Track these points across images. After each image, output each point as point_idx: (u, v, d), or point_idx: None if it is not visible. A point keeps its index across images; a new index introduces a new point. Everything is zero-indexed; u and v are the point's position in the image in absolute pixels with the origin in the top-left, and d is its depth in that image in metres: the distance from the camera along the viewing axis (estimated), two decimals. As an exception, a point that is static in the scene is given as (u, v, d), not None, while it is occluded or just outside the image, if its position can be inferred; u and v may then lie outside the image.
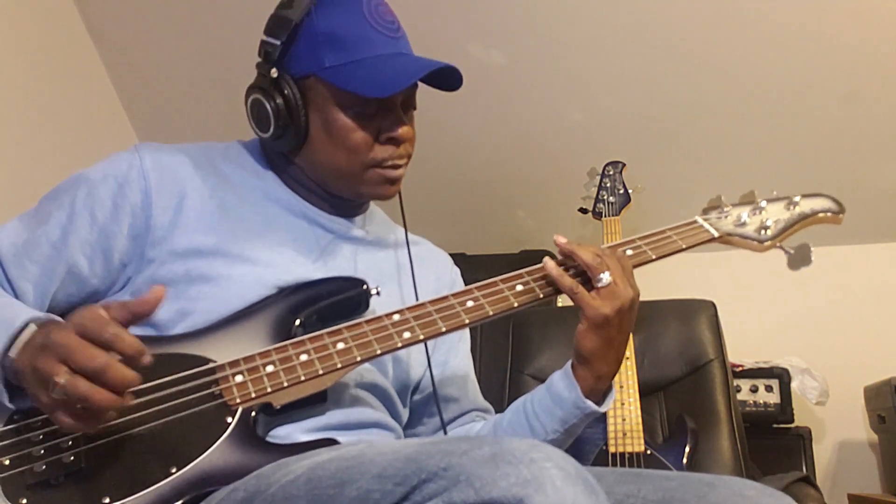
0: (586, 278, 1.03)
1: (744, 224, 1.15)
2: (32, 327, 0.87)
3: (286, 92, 1.06)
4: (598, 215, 2.26)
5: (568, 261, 1.06)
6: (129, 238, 1.02)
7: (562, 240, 1.06)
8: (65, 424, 0.80)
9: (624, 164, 2.33)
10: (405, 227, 1.22)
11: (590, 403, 1.04)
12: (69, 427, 0.81)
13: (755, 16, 2.15)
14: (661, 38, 2.24)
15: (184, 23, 2.46)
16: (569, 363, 1.07)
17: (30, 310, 0.92)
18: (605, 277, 1.00)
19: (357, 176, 1.09)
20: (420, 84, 1.11)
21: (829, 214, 1.15)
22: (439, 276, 1.26)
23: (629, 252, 1.09)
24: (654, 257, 1.09)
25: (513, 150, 2.55)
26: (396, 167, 1.10)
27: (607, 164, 2.34)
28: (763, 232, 1.14)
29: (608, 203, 2.26)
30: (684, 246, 1.11)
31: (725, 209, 1.17)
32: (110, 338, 0.79)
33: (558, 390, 1.06)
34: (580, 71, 2.36)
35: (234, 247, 1.04)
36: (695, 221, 1.15)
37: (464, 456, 0.66)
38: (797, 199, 1.16)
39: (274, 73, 1.07)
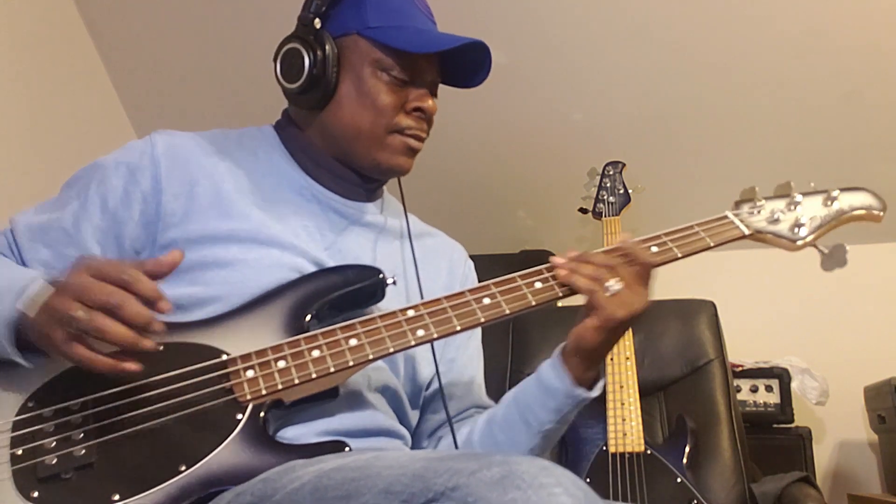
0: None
1: (777, 221, 1.08)
2: (42, 282, 0.88)
3: (326, 46, 1.08)
4: (598, 215, 2.26)
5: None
6: (141, 224, 1.03)
7: (559, 260, 1.03)
8: (83, 358, 0.82)
9: (624, 164, 2.33)
10: (406, 214, 1.21)
11: (582, 391, 1.04)
12: (87, 361, 0.82)
13: (755, 16, 2.15)
14: (662, 38, 2.24)
15: (184, 22, 2.46)
16: (556, 352, 1.06)
17: (36, 271, 0.94)
18: (613, 286, 0.99)
19: (379, 139, 1.09)
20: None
21: (867, 212, 1.09)
22: (452, 268, 1.25)
23: (654, 249, 1.05)
24: (679, 255, 1.05)
25: (513, 150, 2.55)
26: (419, 138, 1.11)
27: (607, 164, 2.34)
28: (797, 230, 1.07)
29: (608, 203, 2.26)
30: (712, 244, 1.06)
31: (759, 203, 1.10)
32: (128, 278, 0.82)
33: (549, 381, 1.05)
34: (580, 71, 2.36)
35: (248, 232, 1.04)
36: (725, 217, 1.09)
37: (472, 476, 0.65)
38: (836, 193, 1.09)
39: (318, 23, 1.09)
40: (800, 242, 1.07)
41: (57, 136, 2.36)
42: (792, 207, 1.09)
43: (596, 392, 1.06)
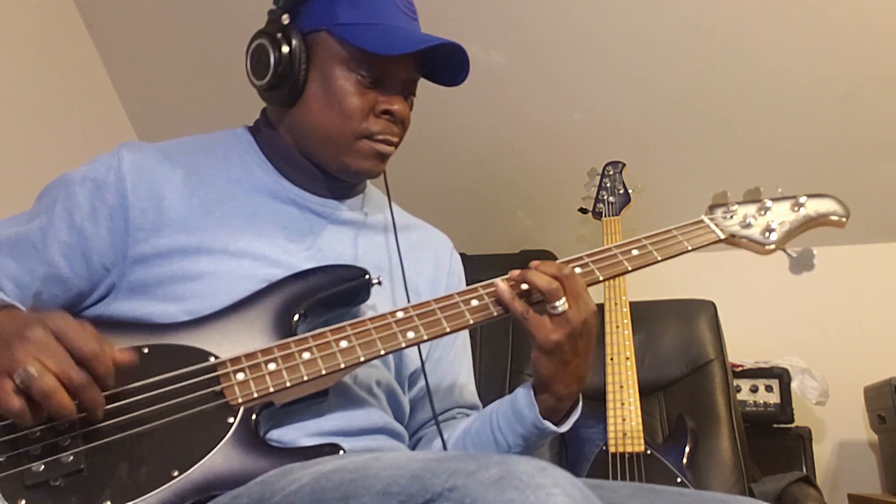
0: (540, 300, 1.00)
1: (749, 225, 1.13)
2: None
3: (293, 42, 1.05)
4: (598, 215, 2.26)
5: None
6: (109, 240, 1.02)
7: (502, 285, 1.00)
8: (13, 409, 0.79)
9: (624, 164, 2.33)
10: (391, 208, 1.19)
11: (548, 424, 1.03)
12: (15, 413, 0.79)
13: (754, 16, 2.15)
14: (661, 38, 2.24)
15: (184, 22, 2.46)
16: (531, 381, 1.06)
17: None
18: (560, 306, 0.97)
19: (346, 144, 1.07)
20: (422, 82, 1.11)
21: (833, 218, 1.15)
22: (438, 261, 1.23)
23: (635, 252, 1.07)
24: (659, 258, 1.08)
25: (513, 150, 2.55)
26: (388, 143, 1.08)
27: (607, 164, 2.34)
28: (768, 235, 1.13)
29: (608, 203, 2.26)
30: (690, 248, 1.10)
31: (731, 208, 1.15)
32: (89, 353, 0.81)
33: (520, 407, 1.05)
34: (580, 71, 2.36)
35: (218, 243, 1.02)
36: (701, 221, 1.14)
37: (470, 477, 0.64)
38: (803, 199, 1.15)
39: (286, 18, 1.06)
40: (769, 247, 1.12)
41: (57, 136, 2.36)
42: (762, 212, 1.15)
43: (566, 427, 1.05)
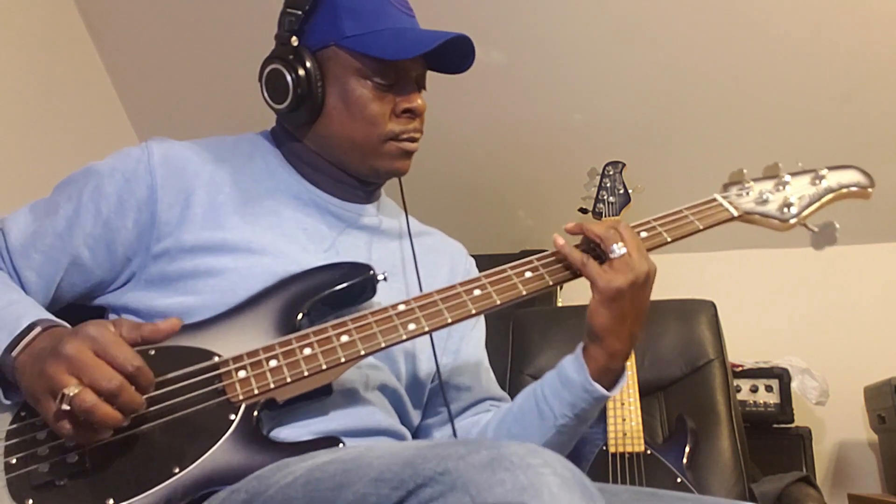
0: (598, 253, 1.01)
1: (766, 201, 1.07)
2: (38, 329, 0.88)
3: (307, 62, 1.07)
4: (598, 215, 2.26)
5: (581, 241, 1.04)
6: (135, 233, 1.03)
7: (560, 239, 1.03)
8: (64, 432, 0.82)
9: (624, 164, 2.33)
10: (406, 214, 1.21)
11: (597, 386, 1.00)
12: (68, 435, 0.82)
13: (754, 16, 2.15)
14: (661, 38, 2.24)
15: (184, 22, 2.46)
16: (580, 345, 1.03)
17: (36, 310, 0.93)
18: (618, 249, 0.98)
19: (374, 149, 1.09)
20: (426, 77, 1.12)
21: (857, 189, 1.08)
22: (453, 266, 1.25)
23: (643, 234, 1.04)
24: (669, 239, 1.04)
25: (513, 150, 2.56)
26: (413, 140, 1.11)
27: (607, 164, 2.34)
28: (786, 210, 1.06)
29: (608, 203, 2.25)
30: (701, 227, 1.06)
31: (747, 185, 1.10)
32: (132, 370, 0.82)
33: (567, 372, 1.03)
34: (580, 71, 2.36)
35: (241, 241, 1.04)
36: (714, 199, 1.09)
37: (460, 461, 0.65)
38: (824, 171, 1.09)
39: (294, 41, 1.08)
40: (792, 221, 1.06)
41: (57, 136, 2.36)
42: (780, 188, 1.08)
43: (616, 391, 1.03)
